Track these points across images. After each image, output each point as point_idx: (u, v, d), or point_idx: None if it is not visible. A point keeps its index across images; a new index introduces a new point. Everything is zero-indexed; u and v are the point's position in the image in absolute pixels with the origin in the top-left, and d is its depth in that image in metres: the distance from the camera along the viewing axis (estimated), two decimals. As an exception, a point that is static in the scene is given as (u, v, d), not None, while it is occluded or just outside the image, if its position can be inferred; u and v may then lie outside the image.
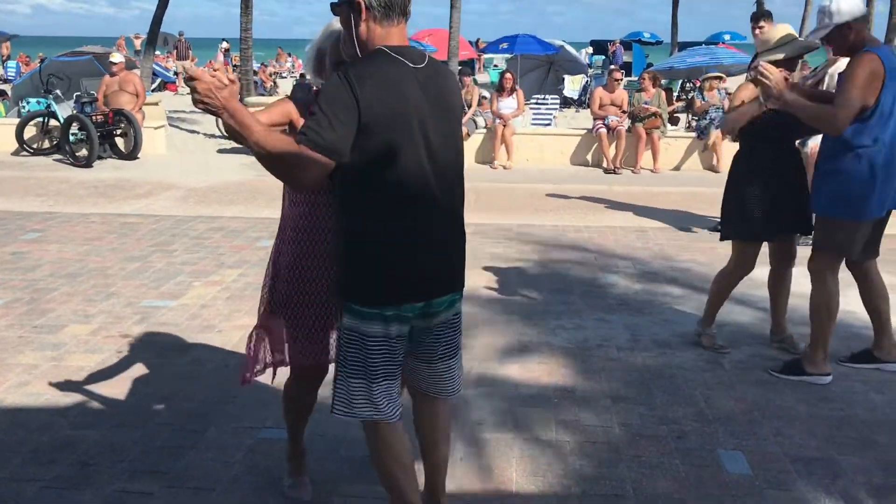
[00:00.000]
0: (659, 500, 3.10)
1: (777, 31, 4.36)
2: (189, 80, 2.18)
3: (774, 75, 3.90)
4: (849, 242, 4.12)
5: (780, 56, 4.23)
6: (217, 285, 5.70)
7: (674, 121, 13.41)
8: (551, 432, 3.61)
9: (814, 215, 4.24)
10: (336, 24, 2.60)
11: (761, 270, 4.61)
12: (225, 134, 6.87)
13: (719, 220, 4.62)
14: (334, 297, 2.59)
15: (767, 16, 7.28)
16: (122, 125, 11.55)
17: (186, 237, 7.07)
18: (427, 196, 2.40)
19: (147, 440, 3.50)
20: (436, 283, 2.50)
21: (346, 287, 2.45)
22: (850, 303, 4.67)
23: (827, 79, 6.50)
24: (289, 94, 13.65)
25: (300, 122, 2.68)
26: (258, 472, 3.26)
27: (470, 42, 27.88)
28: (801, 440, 3.57)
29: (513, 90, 11.78)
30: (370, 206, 2.36)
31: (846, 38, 4.02)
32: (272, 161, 2.26)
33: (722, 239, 4.57)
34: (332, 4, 2.44)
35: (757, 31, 7.30)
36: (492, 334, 4.80)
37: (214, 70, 2.24)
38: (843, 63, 6.42)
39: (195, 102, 2.20)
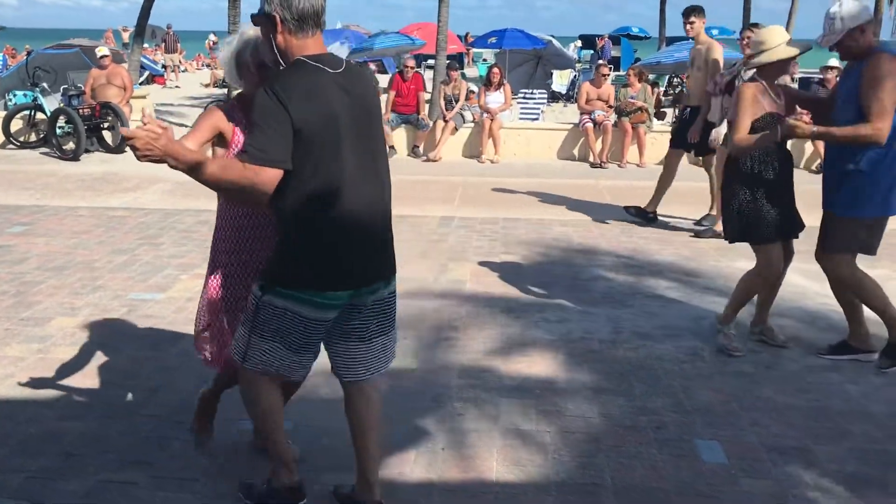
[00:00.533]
0: (636, 489, 3.16)
1: (772, 31, 4.32)
2: (126, 139, 2.32)
3: (805, 127, 4.03)
4: (872, 240, 4.24)
5: (796, 53, 4.27)
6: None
7: (660, 115, 13.47)
8: (532, 423, 3.67)
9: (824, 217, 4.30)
10: (250, 30, 2.82)
11: (746, 263, 4.67)
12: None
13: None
14: (264, 275, 2.72)
15: (698, 11, 7.35)
16: (110, 118, 11.52)
17: (174, 230, 7.09)
18: (354, 191, 2.60)
19: (133, 431, 3.54)
20: (363, 273, 2.69)
21: (277, 273, 2.65)
22: (830, 294, 4.73)
23: (742, 75, 6.60)
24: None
25: (229, 129, 2.86)
26: (242, 463, 3.30)
27: (459, 36, 27.90)
28: (778, 430, 3.64)
29: (500, 84, 11.81)
30: (302, 204, 2.53)
31: (857, 41, 4.08)
32: (229, 188, 2.48)
33: (732, 241, 4.51)
34: (252, 16, 2.64)
35: (688, 26, 7.38)
36: (475, 327, 4.86)
37: (145, 123, 2.35)
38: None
39: (139, 159, 2.35)
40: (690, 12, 7.34)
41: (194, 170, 2.40)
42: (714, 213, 7.39)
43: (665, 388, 4.06)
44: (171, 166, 2.37)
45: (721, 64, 7.21)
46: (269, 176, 2.43)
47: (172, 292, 5.42)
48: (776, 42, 4.24)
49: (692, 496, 3.12)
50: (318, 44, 2.59)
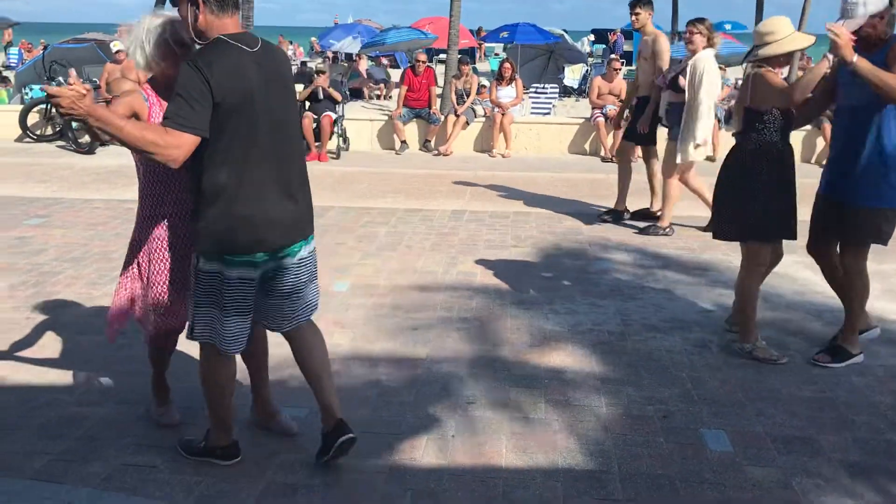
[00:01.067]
0: (643, 477, 3.22)
1: (781, 22, 4.26)
2: (50, 97, 2.52)
3: (843, 35, 3.87)
4: (891, 230, 4.21)
5: (812, 41, 4.26)
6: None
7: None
8: (541, 411, 3.74)
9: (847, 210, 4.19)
10: (151, 18, 3.11)
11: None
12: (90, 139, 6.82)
13: (714, 218, 4.46)
14: (194, 245, 2.98)
15: (644, 2, 7.33)
16: (124, 112, 11.62)
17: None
18: (272, 158, 2.88)
19: (150, 417, 3.62)
20: (283, 233, 2.96)
21: (205, 238, 2.89)
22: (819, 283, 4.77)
23: (689, 69, 6.62)
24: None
25: (144, 109, 3.13)
26: (257, 446, 3.38)
27: (471, 31, 27.90)
28: (783, 420, 3.69)
29: (512, 79, 11.85)
30: (223, 171, 2.79)
31: (875, 28, 4.04)
32: (146, 147, 2.67)
33: (726, 239, 4.48)
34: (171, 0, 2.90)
35: (633, 17, 7.37)
36: (485, 318, 4.92)
37: (71, 84, 2.57)
38: (704, 55, 6.67)
39: (62, 115, 2.58)
40: (636, 3, 7.33)
41: (115, 129, 2.62)
42: (655, 208, 7.49)
43: (673, 378, 4.11)
44: (92, 125, 2.61)
45: (668, 56, 7.21)
46: (186, 140, 2.68)
47: (188, 283, 5.51)
48: (786, 32, 4.20)
49: (698, 484, 3.18)
50: (236, 24, 2.85)
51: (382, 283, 5.58)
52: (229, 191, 2.81)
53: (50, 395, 3.82)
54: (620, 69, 12.28)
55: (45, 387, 3.92)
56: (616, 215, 7.60)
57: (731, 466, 3.30)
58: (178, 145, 2.67)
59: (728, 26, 32.85)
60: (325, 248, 6.48)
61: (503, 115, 11.42)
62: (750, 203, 4.22)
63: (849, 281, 4.36)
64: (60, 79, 12.16)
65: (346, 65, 21.46)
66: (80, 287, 5.36)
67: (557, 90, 16.07)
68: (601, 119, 11.22)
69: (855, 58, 3.87)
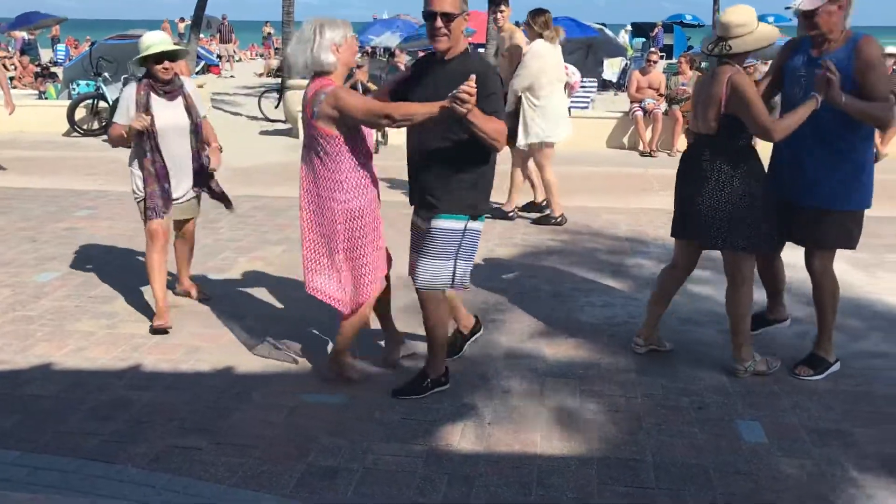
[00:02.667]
0: (676, 466, 3.26)
1: (750, 12, 3.87)
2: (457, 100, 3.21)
3: (836, 77, 3.63)
4: (860, 233, 4.04)
5: (777, 37, 3.95)
6: (261, 260, 5.96)
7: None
8: (576, 401, 3.79)
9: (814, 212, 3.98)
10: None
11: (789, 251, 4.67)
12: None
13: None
14: (467, 210, 3.63)
15: (507, 1, 7.27)
16: (169, 107, 11.87)
17: (231, 215, 7.31)
18: None
19: (195, 401, 3.75)
20: None
21: (482, 203, 3.68)
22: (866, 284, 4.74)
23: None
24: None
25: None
26: (298, 432, 3.48)
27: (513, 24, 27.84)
28: (818, 413, 3.70)
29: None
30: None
31: (830, 16, 3.79)
32: (499, 138, 3.47)
33: (713, 248, 4.04)
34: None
35: (498, 15, 7.31)
36: (522, 310, 4.98)
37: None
38: (532, 47, 6.86)
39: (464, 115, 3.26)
40: (501, 1, 7.31)
41: (483, 119, 3.33)
42: (539, 199, 7.49)
43: (707, 370, 4.13)
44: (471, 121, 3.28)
45: (521, 52, 7.14)
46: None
47: (231, 273, 5.65)
48: (756, 23, 3.84)
49: (731, 474, 3.21)
50: None
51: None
52: (486, 160, 3.62)
53: (100, 379, 3.97)
54: (657, 62, 12.21)
55: (95, 371, 4.07)
56: (537, 209, 7.56)
57: (765, 457, 3.33)
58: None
59: (771, 19, 32.34)
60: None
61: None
62: (748, 212, 3.89)
63: (818, 288, 4.09)
64: (106, 74, 12.45)
65: (384, 60, 21.60)
66: (127, 277, 5.52)
67: (596, 84, 16.00)
68: (640, 113, 11.18)
69: (843, 98, 3.67)
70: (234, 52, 28.55)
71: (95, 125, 12.41)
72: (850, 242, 4.04)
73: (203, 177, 4.82)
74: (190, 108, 4.65)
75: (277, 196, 8.13)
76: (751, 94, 3.77)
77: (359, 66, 12.40)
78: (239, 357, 4.24)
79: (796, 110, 3.76)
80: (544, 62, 6.97)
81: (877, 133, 10.84)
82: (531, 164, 7.48)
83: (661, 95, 11.38)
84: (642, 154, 11.11)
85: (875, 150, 11.18)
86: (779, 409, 3.74)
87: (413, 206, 3.84)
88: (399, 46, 20.69)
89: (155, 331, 4.55)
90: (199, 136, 4.71)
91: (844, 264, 5.72)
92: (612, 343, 4.50)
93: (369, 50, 24.42)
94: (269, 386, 3.91)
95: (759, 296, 4.31)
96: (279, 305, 5.04)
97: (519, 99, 7.02)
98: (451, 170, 3.57)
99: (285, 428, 3.52)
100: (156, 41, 4.44)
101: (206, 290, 5.17)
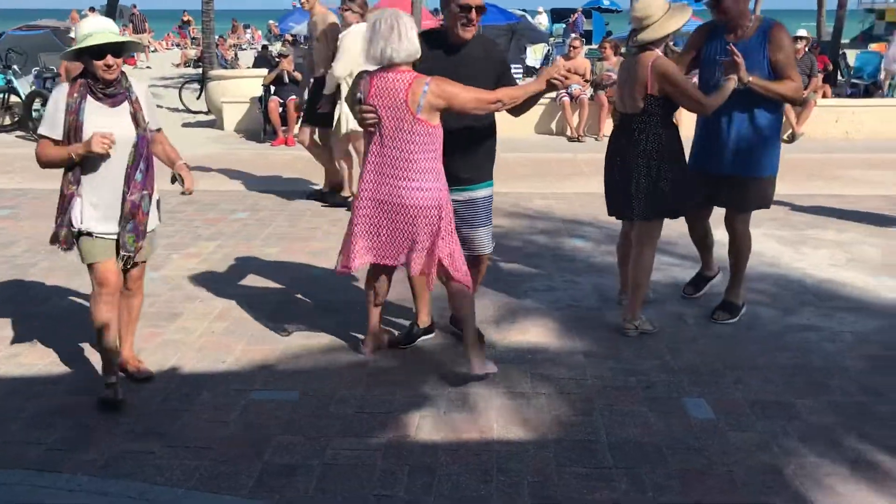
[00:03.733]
0: (630, 444, 3.34)
1: (654, 3, 4.13)
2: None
3: (741, 58, 4.11)
4: (773, 194, 4.59)
5: (685, 20, 4.20)
6: (195, 257, 5.82)
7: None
8: (529, 386, 3.84)
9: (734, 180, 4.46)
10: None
11: (723, 232, 4.82)
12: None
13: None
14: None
15: None
16: (86, 100, 11.44)
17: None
18: None
19: (142, 404, 3.65)
20: None
21: (492, 170, 4.11)
22: (804, 258, 4.93)
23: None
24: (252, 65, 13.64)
25: None
26: (252, 430, 3.43)
27: (431, 11, 27.80)
28: (760, 386, 3.83)
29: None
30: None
31: (738, 3, 4.28)
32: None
33: (645, 219, 4.33)
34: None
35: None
36: (467, 297, 4.99)
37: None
38: (352, 30, 6.72)
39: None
40: None
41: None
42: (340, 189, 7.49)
43: (652, 350, 4.23)
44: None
45: (334, 35, 7.10)
46: None
47: (166, 271, 5.50)
48: (661, 13, 4.13)
49: (683, 450, 3.30)
50: None
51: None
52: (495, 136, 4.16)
53: (37, 386, 3.82)
54: (580, 48, 12.37)
55: (31, 378, 3.91)
56: (331, 198, 7.53)
57: (714, 432, 3.43)
58: None
59: (606, 1, 33.12)
60: (300, 232, 6.51)
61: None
62: (672, 183, 4.23)
63: (738, 243, 4.63)
64: (16, 67, 11.93)
65: (306, 48, 21.29)
66: (57, 278, 5.32)
67: (521, 70, 16.14)
68: (567, 99, 11.32)
69: (749, 78, 4.17)
70: (149, 42, 27.69)
71: (7, 120, 11.88)
72: (766, 203, 4.57)
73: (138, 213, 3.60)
74: (137, 118, 3.57)
75: (206, 190, 7.93)
76: (679, 75, 4.18)
77: (283, 56, 12.25)
78: (182, 356, 4.14)
79: (720, 89, 4.18)
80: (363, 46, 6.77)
81: (793, 114, 11.31)
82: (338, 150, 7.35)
83: (586, 81, 11.54)
84: (570, 139, 11.26)
85: (791, 131, 11.66)
86: (722, 385, 3.86)
87: None
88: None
89: (105, 402, 3.60)
90: (138, 152, 3.57)
91: (773, 242, 5.96)
92: (559, 327, 4.56)
93: (290, 38, 24.04)
94: (217, 384, 3.83)
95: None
96: (217, 302, 4.93)
97: (339, 85, 6.84)
98: (473, 145, 3.96)
99: (238, 427, 3.46)
100: (97, 29, 3.45)
101: (144, 367, 3.98)
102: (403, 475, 3.10)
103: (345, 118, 6.91)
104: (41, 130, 3.53)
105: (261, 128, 11.14)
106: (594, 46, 21.46)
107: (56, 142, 3.48)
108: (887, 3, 36.00)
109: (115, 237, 3.57)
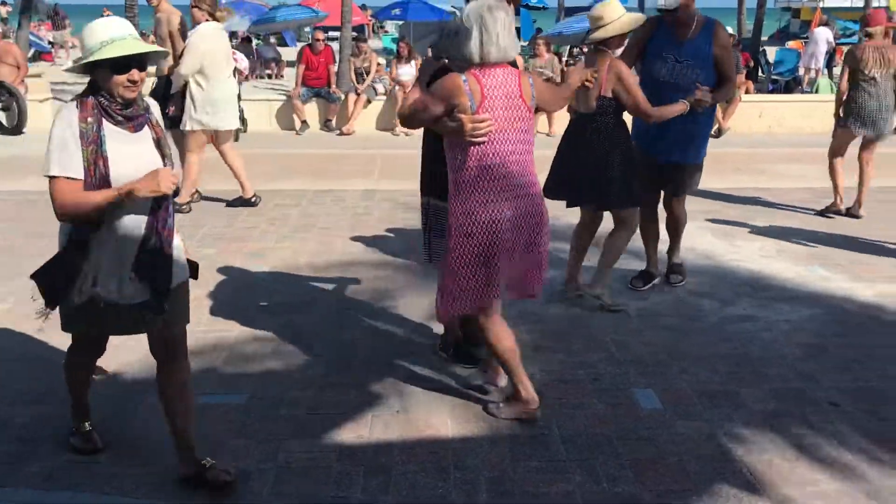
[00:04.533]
0: (582, 436, 3.38)
1: (609, 6, 4.37)
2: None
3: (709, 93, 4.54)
4: (700, 178, 5.14)
5: (637, 24, 4.50)
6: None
7: (566, 85, 13.80)
8: (480, 381, 3.84)
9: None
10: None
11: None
12: None
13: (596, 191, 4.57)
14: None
15: None
16: (4, 98, 11.01)
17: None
18: None
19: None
20: None
21: None
22: (738, 250, 5.06)
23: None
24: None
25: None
26: (203, 436, 3.31)
27: (360, 7, 27.65)
28: (706, 377, 3.93)
29: (410, 57, 11.87)
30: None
31: (691, 6, 4.65)
32: None
33: (623, 208, 4.67)
34: None
35: None
36: (415, 295, 4.99)
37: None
38: (199, 29, 6.60)
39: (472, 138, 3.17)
40: None
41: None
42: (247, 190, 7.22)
43: (599, 343, 4.30)
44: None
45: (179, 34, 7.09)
46: None
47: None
48: (614, 16, 4.35)
49: (634, 440, 3.36)
50: None
51: (304, 266, 5.56)
52: None
53: (-29, 397, 3.66)
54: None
55: (-36, 389, 3.74)
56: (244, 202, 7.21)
57: (663, 422, 3.51)
58: None
59: None
60: (237, 232, 6.39)
61: (404, 93, 11.43)
62: (627, 174, 4.54)
63: (677, 220, 5.17)
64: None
65: (233, 44, 20.91)
66: (-16, 284, 5.10)
67: (453, 67, 16.15)
68: (500, 95, 11.38)
69: (712, 98, 4.61)
70: (67, 38, 26.76)
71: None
72: (697, 186, 5.16)
73: (164, 266, 2.84)
74: (161, 145, 2.84)
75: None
76: (632, 80, 4.41)
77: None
78: (124, 362, 4.01)
79: (671, 107, 4.48)
80: (212, 45, 6.69)
81: (720, 109, 11.68)
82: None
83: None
84: (505, 135, 11.31)
85: (718, 126, 12.02)
86: (669, 376, 3.94)
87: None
88: (251, 31, 20.08)
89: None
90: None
91: (709, 235, 6.12)
92: (507, 322, 4.57)
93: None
94: (162, 390, 3.73)
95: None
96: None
97: (186, 83, 6.72)
98: None
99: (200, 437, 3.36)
100: (119, 34, 2.64)
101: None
102: (359, 476, 3.08)
103: (187, 116, 6.69)
104: (53, 170, 2.67)
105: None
106: (523, 43, 21.69)
107: (76, 181, 2.67)
108: (802, 2, 37.36)
109: (136, 301, 2.82)
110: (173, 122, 6.87)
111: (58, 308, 2.89)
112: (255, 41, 20.32)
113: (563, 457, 3.24)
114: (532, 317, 4.65)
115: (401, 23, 21.18)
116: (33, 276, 2.85)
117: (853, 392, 3.78)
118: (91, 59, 2.63)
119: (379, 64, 12.43)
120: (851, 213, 6.93)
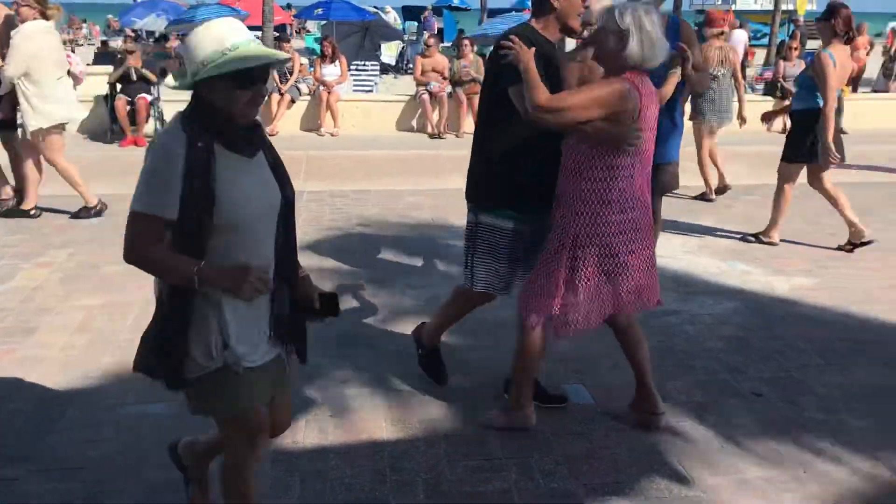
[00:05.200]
0: (517, 434, 3.40)
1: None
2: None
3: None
4: None
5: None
6: (47, 267, 5.44)
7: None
8: (414, 383, 3.84)
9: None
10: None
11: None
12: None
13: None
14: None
15: None
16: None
17: (1, 219, 6.63)
18: None
19: (0, 427, 3.38)
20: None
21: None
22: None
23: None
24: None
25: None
26: (128, 448, 3.24)
27: (282, 7, 27.31)
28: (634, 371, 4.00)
29: (335, 57, 11.78)
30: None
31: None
32: None
33: None
34: None
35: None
36: (344, 298, 4.93)
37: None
38: (24, 28, 6.22)
39: None
40: None
41: None
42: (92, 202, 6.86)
43: (530, 341, 4.33)
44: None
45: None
46: None
47: (15, 282, 5.12)
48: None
49: (567, 436, 3.41)
50: None
51: (230, 270, 5.44)
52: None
53: None
54: (433, 46, 12.46)
55: None
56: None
57: (595, 417, 3.57)
58: None
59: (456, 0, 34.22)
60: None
61: (329, 93, 11.33)
62: None
63: (657, 218, 4.86)
64: None
65: (150, 44, 20.40)
66: None
67: (378, 67, 16.12)
68: (426, 96, 11.40)
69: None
70: None
71: None
72: (676, 185, 4.97)
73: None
74: (279, 172, 2.34)
75: (52, 195, 7.42)
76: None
77: (130, 52, 11.68)
78: (42, 373, 3.86)
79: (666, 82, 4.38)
80: (37, 44, 6.26)
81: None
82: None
83: (444, 79, 11.66)
84: (431, 136, 11.35)
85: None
86: (598, 371, 4.01)
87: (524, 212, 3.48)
88: (169, 30, 19.58)
89: None
90: (289, 225, 2.39)
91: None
92: (437, 323, 4.58)
93: (131, 33, 22.93)
94: (85, 401, 3.60)
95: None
96: (75, 314, 4.62)
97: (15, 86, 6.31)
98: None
99: (113, 444, 3.26)
100: (243, 40, 2.12)
101: None
102: (295, 483, 3.04)
103: (30, 118, 6.29)
104: (139, 206, 2.17)
105: (107, 128, 10.55)
106: (447, 44, 21.78)
107: (167, 223, 2.13)
108: (715, 4, 38.54)
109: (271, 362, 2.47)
110: (2, 125, 6.57)
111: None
112: (176, 42, 19.85)
113: (499, 455, 3.25)
114: (464, 318, 4.65)
115: (323, 23, 20.96)
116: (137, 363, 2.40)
117: (774, 382, 3.91)
118: (217, 70, 2.07)
119: (302, 64, 12.28)
120: (707, 197, 7.84)
